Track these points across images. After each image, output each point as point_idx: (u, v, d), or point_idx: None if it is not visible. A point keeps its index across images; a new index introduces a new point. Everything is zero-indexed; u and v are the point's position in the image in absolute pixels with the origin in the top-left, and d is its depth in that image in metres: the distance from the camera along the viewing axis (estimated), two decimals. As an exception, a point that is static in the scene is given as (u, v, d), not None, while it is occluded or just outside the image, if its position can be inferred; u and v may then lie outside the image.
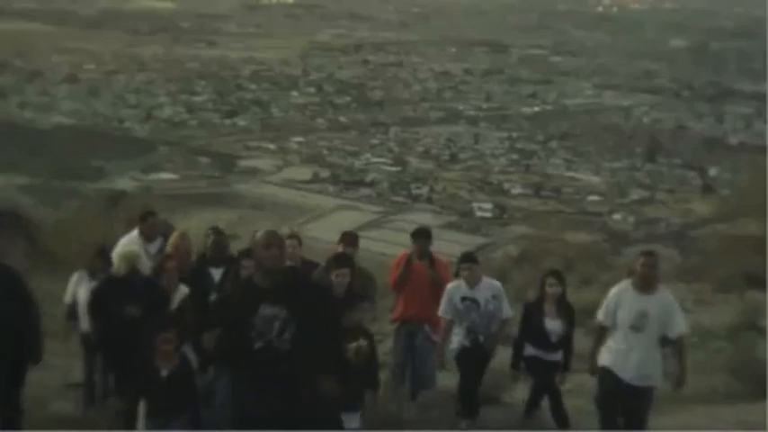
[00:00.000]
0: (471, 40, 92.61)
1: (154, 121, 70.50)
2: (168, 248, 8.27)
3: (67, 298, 8.32)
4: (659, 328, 7.25)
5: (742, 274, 16.55)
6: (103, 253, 8.30)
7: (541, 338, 8.30)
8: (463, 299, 8.37)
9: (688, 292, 15.91)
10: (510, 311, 8.49)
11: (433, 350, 8.75)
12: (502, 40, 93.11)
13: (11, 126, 61.42)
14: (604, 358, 7.42)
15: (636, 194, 59.97)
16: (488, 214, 55.76)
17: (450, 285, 8.50)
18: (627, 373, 7.26)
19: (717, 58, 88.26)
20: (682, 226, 50.70)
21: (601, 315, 7.52)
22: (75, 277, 8.36)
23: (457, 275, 8.53)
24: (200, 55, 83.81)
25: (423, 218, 54.55)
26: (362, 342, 6.67)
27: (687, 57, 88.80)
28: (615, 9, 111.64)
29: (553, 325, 8.28)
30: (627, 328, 7.29)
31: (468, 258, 8.58)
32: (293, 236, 8.63)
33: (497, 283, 8.69)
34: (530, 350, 8.39)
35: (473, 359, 8.39)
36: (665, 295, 7.36)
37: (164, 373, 6.43)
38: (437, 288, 8.59)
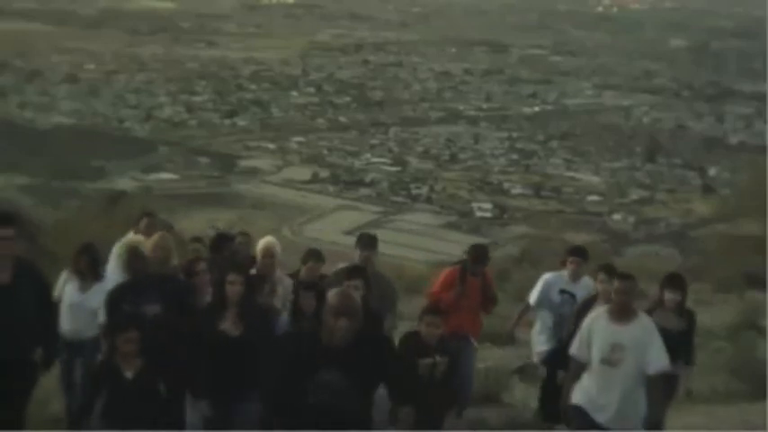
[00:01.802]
0: (471, 40, 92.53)
1: (154, 121, 70.45)
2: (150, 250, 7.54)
3: (56, 296, 7.77)
4: (637, 362, 6.31)
5: (742, 273, 16.57)
6: (88, 251, 7.83)
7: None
8: (562, 291, 8.25)
9: (688, 292, 15.90)
10: None
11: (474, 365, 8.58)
12: (502, 40, 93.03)
13: (11, 126, 61.38)
14: (577, 396, 6.53)
15: (636, 194, 59.97)
16: (488, 214, 55.78)
17: (549, 275, 8.38)
18: (602, 414, 6.39)
19: (717, 57, 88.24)
20: (682, 226, 50.78)
21: (574, 348, 6.63)
22: (63, 275, 7.96)
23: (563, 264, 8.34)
24: (200, 55, 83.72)
25: (422, 218, 54.67)
26: (438, 359, 6.47)
27: (687, 57, 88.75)
28: (615, 9, 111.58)
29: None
30: (600, 363, 6.39)
31: (578, 252, 8.43)
32: (313, 254, 7.92)
33: (594, 284, 8.14)
34: None
35: (563, 360, 7.44)
36: (643, 325, 6.41)
37: (128, 375, 6.00)
38: (486, 302, 8.43)
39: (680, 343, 7.29)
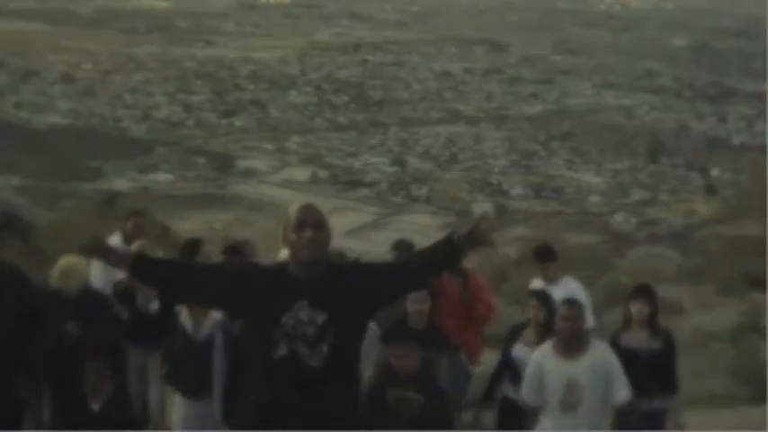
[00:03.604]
0: (471, 40, 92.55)
1: (151, 120, 70.52)
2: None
3: None
4: (598, 399, 5.51)
5: (744, 275, 16.47)
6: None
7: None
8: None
9: (689, 295, 15.80)
10: (592, 321, 7.01)
11: (465, 383, 7.33)
12: (502, 40, 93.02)
13: (7, 126, 61.39)
14: None
15: (637, 195, 60.01)
16: (488, 214, 55.73)
17: (534, 282, 7.51)
18: None
19: (718, 57, 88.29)
20: (683, 227, 50.75)
21: (525, 393, 5.82)
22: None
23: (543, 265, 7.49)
24: (197, 54, 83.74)
25: (422, 219, 54.59)
26: (412, 395, 5.45)
27: (689, 56, 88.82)
28: (617, 8, 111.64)
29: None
30: (556, 406, 5.58)
31: (543, 257, 7.52)
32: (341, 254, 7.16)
33: (577, 284, 7.49)
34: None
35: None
36: (597, 354, 5.58)
37: (94, 407, 5.38)
38: (472, 310, 7.36)
39: (656, 366, 6.33)
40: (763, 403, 9.05)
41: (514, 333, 6.64)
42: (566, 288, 7.15)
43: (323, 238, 3.95)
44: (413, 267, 4.14)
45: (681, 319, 14.21)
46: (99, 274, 7.41)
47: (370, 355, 6.01)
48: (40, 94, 72.02)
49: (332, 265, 3.99)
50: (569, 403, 5.52)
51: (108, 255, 3.96)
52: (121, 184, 53.25)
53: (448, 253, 4.13)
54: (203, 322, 6.49)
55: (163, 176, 59.37)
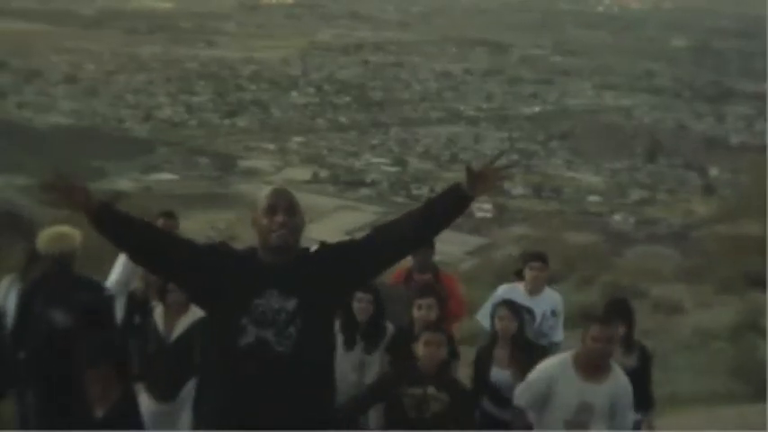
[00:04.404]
0: (472, 40, 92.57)
1: (153, 121, 70.58)
2: None
3: None
4: (607, 424, 5.16)
5: (743, 274, 16.51)
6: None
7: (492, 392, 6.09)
8: None
9: (688, 294, 15.87)
10: (562, 335, 6.65)
11: None
12: (502, 40, 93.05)
13: (10, 126, 61.38)
14: None
15: (636, 195, 60.00)
16: (488, 215, 55.76)
17: (501, 289, 6.75)
18: None
19: (718, 57, 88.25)
20: (682, 226, 50.65)
21: (521, 395, 5.34)
22: (4, 282, 6.48)
23: (519, 274, 6.76)
24: (199, 55, 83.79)
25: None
26: (433, 392, 5.07)
27: (688, 56, 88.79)
28: (616, 8, 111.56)
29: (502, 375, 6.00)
30: (561, 424, 5.17)
31: (539, 257, 6.74)
32: None
33: (559, 296, 6.86)
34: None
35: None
36: (618, 383, 5.17)
37: (98, 413, 4.81)
38: (445, 308, 6.56)
39: (632, 384, 5.81)
40: (763, 402, 8.99)
41: (485, 356, 6.05)
42: (549, 301, 6.67)
43: (295, 223, 3.66)
44: (401, 226, 3.76)
45: (680, 318, 14.28)
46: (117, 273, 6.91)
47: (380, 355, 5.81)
48: (43, 95, 72.08)
49: (301, 250, 3.68)
50: (577, 424, 5.11)
51: (70, 194, 3.51)
52: (124, 183, 53.18)
53: (453, 201, 3.82)
54: (177, 323, 6.05)
55: (165, 176, 59.35)
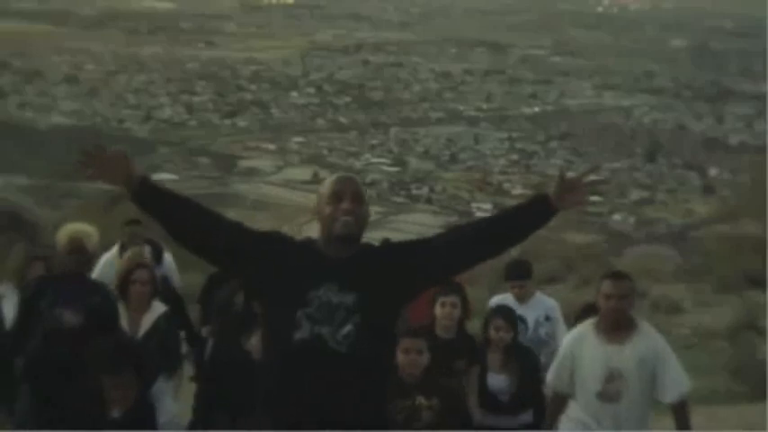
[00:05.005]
0: (471, 41, 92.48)
1: (154, 121, 70.55)
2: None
3: None
4: (644, 391, 4.73)
5: (742, 274, 16.53)
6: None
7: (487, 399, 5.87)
8: None
9: (688, 293, 15.90)
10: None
11: None
12: (502, 41, 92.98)
13: (10, 126, 61.41)
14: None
15: (636, 195, 59.97)
16: (488, 215, 55.79)
17: (494, 299, 6.76)
18: None
19: (717, 58, 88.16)
20: (682, 226, 50.68)
21: (552, 377, 5.06)
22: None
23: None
24: (200, 55, 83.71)
25: (423, 219, 54.60)
26: (422, 401, 4.83)
27: (687, 57, 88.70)
28: (615, 9, 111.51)
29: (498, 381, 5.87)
30: (594, 397, 4.76)
31: (517, 274, 6.67)
32: None
33: (553, 302, 6.79)
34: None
35: None
36: (647, 339, 4.79)
37: (116, 414, 4.75)
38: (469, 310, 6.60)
39: None
40: (763, 401, 9.08)
41: (480, 362, 5.94)
42: (541, 307, 6.65)
43: (362, 211, 3.47)
44: (477, 232, 3.56)
45: (680, 317, 14.33)
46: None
47: None
48: (44, 95, 71.99)
49: (365, 244, 3.49)
50: (609, 395, 4.74)
51: (112, 165, 3.38)
52: (125, 184, 53.17)
53: (537, 212, 3.66)
54: (141, 320, 5.89)
55: (166, 176, 59.25)
